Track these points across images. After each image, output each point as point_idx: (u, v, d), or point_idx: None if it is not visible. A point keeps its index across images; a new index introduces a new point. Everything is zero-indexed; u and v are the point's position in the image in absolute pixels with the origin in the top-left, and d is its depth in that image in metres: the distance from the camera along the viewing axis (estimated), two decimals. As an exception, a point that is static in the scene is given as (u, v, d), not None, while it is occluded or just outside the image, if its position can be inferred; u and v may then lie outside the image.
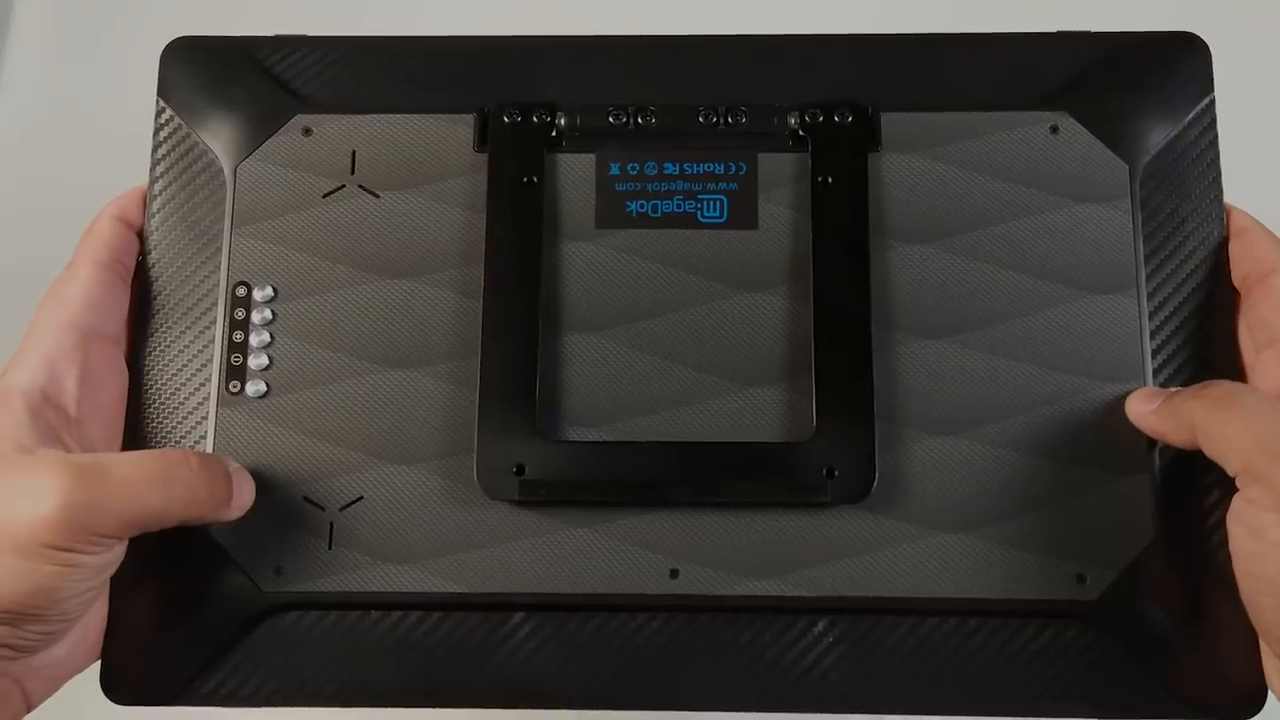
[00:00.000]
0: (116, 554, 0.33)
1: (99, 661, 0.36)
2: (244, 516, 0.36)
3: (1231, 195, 0.38)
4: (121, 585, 0.36)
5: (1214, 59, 0.39)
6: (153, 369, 0.38)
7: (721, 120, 0.38)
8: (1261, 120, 0.46)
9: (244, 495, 0.35)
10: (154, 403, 0.38)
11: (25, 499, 0.31)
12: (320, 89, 0.40)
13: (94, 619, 0.36)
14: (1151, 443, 0.36)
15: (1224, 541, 0.33)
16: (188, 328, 0.38)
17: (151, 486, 0.32)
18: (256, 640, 0.36)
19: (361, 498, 0.37)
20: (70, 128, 0.56)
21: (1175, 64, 0.39)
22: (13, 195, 0.54)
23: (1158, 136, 0.38)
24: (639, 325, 0.38)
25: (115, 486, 0.32)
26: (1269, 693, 0.35)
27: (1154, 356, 0.37)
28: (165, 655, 0.36)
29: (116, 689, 0.36)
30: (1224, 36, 0.40)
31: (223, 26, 0.41)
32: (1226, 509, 0.33)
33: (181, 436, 0.37)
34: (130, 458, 0.33)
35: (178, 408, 0.38)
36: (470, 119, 0.39)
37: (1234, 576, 0.33)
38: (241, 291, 0.38)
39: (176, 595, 0.36)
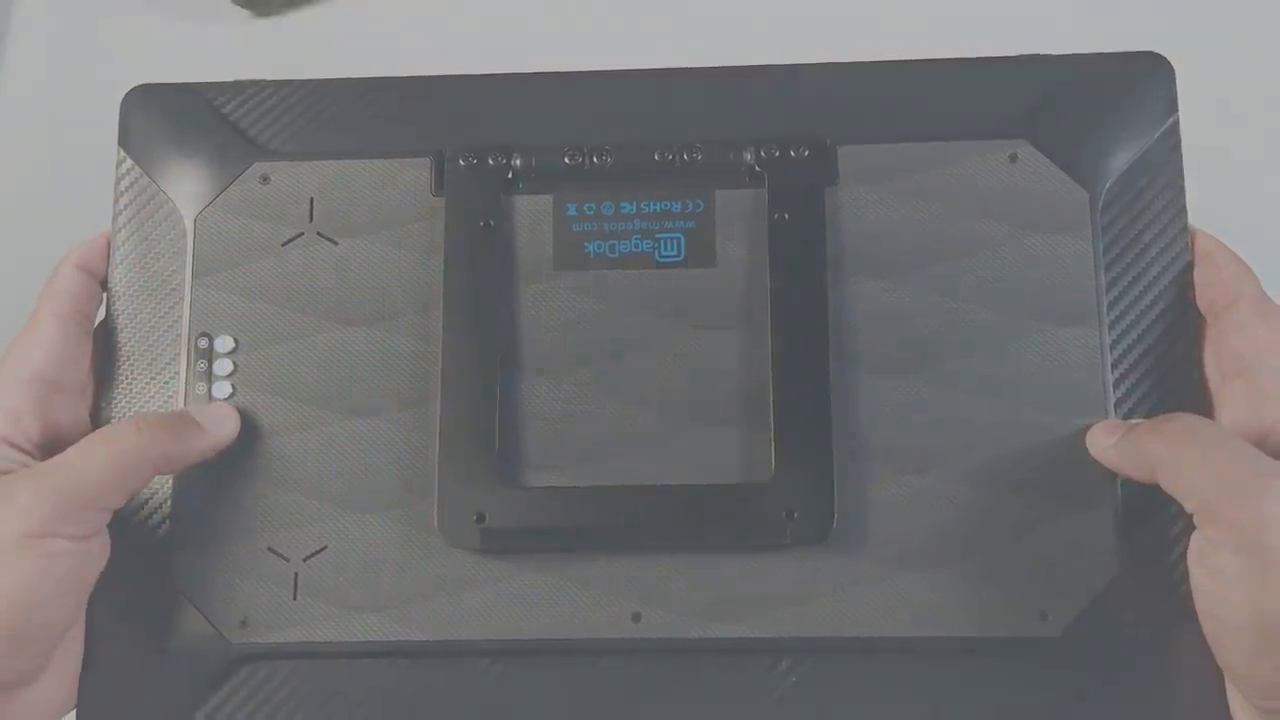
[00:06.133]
0: (93, 549, 0.34)
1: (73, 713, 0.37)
2: (209, 568, 0.36)
3: (1196, 216, 0.37)
4: (94, 635, 0.36)
5: (1178, 77, 0.38)
6: (117, 421, 0.38)
7: (677, 158, 0.38)
8: (1225, 138, 0.45)
9: (224, 425, 0.37)
10: (120, 456, 0.38)
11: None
12: (277, 135, 0.40)
13: (68, 664, 0.36)
14: (1114, 475, 0.36)
15: (1188, 575, 0.33)
16: (151, 379, 0.38)
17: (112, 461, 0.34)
18: (226, 692, 0.36)
19: (325, 547, 0.37)
20: (70, 129, 0.55)
21: (1137, 85, 0.38)
22: (12, 195, 0.54)
23: (1120, 161, 0.38)
24: (598, 367, 0.37)
25: (80, 465, 0.34)
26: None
27: (1116, 388, 0.36)
28: (139, 707, 0.37)
29: (91, 741, 0.37)
30: (1188, 54, 0.39)
31: (218, 29, 0.40)
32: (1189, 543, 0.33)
33: (146, 488, 0.38)
34: (77, 448, 0.35)
35: None
36: (427, 163, 0.39)
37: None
38: (203, 343, 0.38)
39: (147, 648, 0.37)
